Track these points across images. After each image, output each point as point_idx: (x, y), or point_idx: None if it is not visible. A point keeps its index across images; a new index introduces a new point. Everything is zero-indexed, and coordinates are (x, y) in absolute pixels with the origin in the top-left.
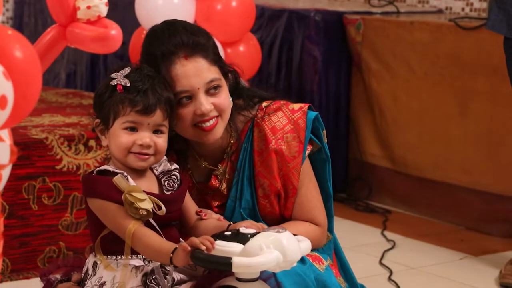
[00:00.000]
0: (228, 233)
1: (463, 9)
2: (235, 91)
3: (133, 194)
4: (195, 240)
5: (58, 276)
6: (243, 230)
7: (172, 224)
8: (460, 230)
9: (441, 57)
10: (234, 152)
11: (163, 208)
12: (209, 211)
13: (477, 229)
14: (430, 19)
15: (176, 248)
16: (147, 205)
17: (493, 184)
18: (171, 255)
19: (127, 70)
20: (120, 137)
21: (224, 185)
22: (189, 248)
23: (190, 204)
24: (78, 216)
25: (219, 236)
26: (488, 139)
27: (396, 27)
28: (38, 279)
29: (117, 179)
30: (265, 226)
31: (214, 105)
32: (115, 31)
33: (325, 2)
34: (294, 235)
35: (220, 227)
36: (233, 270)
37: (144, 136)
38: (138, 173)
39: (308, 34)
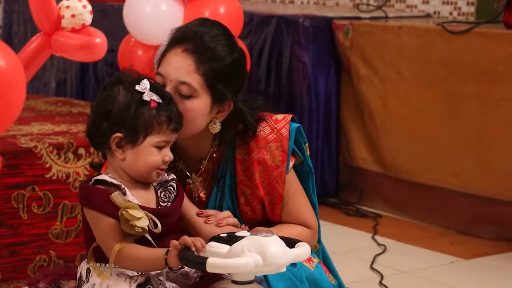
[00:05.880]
0: (224, 235)
1: (451, 13)
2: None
3: (130, 211)
4: (187, 239)
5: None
6: (238, 233)
7: (169, 235)
8: (450, 233)
9: (429, 61)
10: (211, 163)
11: (159, 226)
12: (212, 211)
13: (468, 233)
14: (418, 23)
15: (168, 250)
16: (143, 223)
17: (483, 187)
18: (165, 256)
19: (147, 83)
20: (153, 154)
21: (203, 192)
22: (179, 246)
23: (191, 209)
24: (68, 224)
25: (216, 238)
26: (477, 142)
27: (384, 32)
28: None
29: (114, 196)
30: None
31: None
32: (99, 39)
33: (314, 7)
34: (296, 241)
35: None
36: (207, 270)
37: (169, 153)
38: (139, 185)
39: (297, 40)
